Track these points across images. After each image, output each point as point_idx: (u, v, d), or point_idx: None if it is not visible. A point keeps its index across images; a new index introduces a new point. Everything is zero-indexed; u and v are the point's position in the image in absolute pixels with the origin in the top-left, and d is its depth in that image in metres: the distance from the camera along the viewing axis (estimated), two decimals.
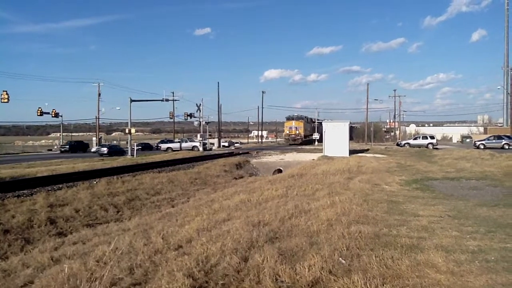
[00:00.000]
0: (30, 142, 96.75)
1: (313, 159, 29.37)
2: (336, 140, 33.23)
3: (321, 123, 58.56)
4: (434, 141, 53.53)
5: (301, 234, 6.88)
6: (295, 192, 12.45)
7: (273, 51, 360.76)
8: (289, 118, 72.39)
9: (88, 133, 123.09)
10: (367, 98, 74.14)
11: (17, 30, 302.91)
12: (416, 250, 5.81)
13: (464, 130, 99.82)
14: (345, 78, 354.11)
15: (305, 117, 76.81)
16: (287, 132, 70.46)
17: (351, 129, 55.63)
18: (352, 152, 34.99)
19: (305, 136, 71.19)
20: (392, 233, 6.90)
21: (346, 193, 11.46)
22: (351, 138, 46.94)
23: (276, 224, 7.69)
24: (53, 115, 56.33)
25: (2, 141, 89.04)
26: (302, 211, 8.98)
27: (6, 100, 41.25)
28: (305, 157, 33.41)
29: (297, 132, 68.66)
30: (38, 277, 5.59)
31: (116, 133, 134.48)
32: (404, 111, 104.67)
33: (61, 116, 57.83)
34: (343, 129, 34.08)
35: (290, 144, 66.23)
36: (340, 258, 5.40)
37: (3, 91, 41.39)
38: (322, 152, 33.88)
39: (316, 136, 71.41)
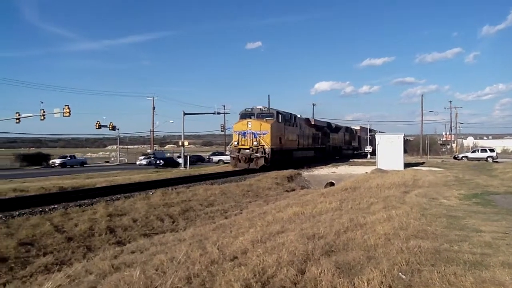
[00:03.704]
0: (89, 154, 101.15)
1: (366, 172, 28.83)
2: (390, 153, 32.50)
3: (374, 135, 57.41)
4: (493, 154, 51.40)
5: (357, 248, 6.76)
6: (349, 206, 12.26)
7: (323, 63, 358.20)
8: (243, 116, 34.62)
9: (142, 146, 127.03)
10: (422, 109, 72.07)
11: (76, 48, 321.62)
12: (480, 267, 5.55)
13: None
14: (398, 90, 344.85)
15: (280, 112, 35.66)
16: (235, 143, 33.57)
17: (405, 141, 51.57)
18: (406, 165, 34.06)
19: (280, 152, 34.31)
20: (454, 248, 6.64)
21: (402, 207, 11.14)
22: (405, 151, 45.22)
23: (332, 237, 7.60)
24: (110, 128, 58.71)
25: (63, 153, 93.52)
26: (357, 225, 8.83)
27: (67, 114, 43.29)
28: (357, 170, 32.84)
29: (255, 143, 32.09)
30: (101, 283, 5.79)
31: (169, 145, 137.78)
32: (460, 123, 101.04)
33: (118, 129, 60.09)
34: (397, 141, 33.31)
35: (239, 168, 32.26)
36: (400, 273, 5.26)
37: (65, 105, 43.46)
38: (375, 165, 33.21)
39: (368, 149, 68.62)
